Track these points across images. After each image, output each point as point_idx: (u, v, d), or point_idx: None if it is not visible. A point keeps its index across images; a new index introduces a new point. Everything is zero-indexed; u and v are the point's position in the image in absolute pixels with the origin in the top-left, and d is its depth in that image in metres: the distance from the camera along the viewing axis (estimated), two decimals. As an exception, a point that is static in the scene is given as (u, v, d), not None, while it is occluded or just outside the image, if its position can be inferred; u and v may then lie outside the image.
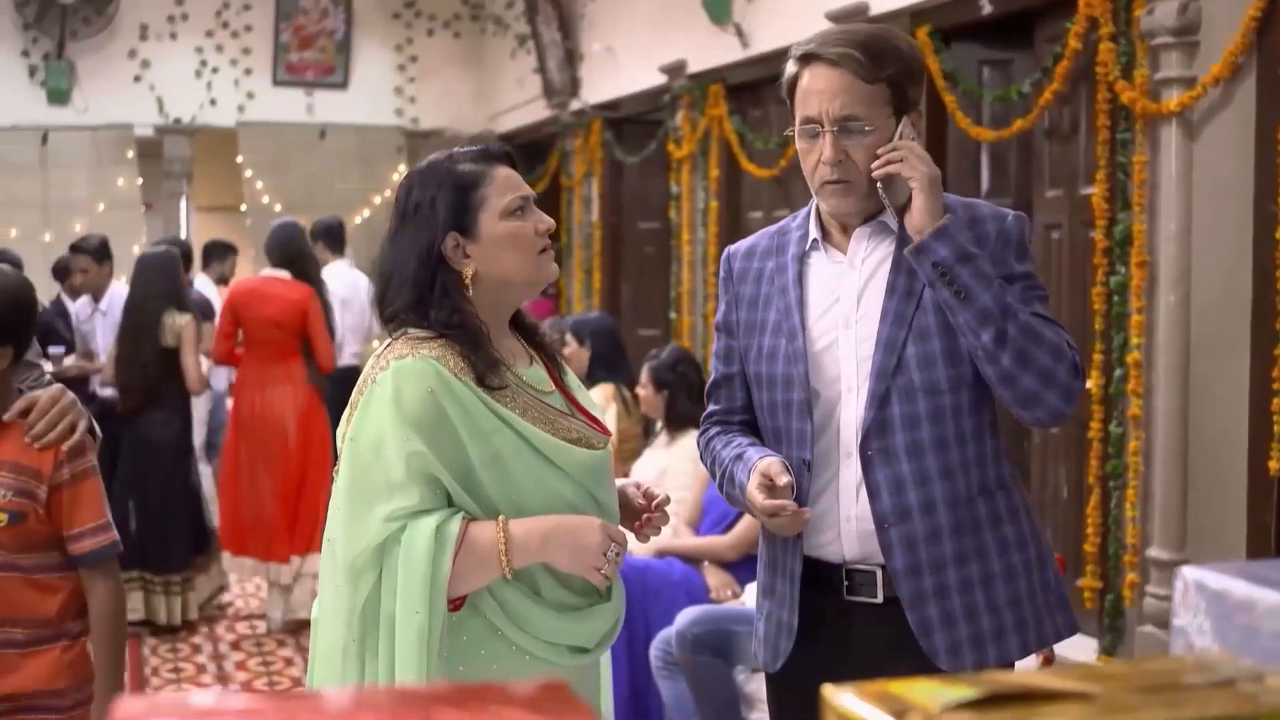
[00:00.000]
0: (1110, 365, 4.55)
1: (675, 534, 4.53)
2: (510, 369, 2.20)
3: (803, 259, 2.38)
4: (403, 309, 2.17)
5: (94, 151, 10.04)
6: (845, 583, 2.32)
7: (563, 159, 9.46)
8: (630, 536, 2.26)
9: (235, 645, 6.07)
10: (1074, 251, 4.91)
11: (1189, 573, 1.03)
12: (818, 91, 2.26)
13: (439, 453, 2.07)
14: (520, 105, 9.96)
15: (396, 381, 2.08)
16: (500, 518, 2.10)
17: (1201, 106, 4.21)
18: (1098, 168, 4.58)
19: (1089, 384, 4.63)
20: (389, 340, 2.20)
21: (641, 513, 2.35)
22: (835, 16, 5.88)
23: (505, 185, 2.22)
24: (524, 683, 0.76)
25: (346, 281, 7.48)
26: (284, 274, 6.14)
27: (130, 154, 10.12)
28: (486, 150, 2.25)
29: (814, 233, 2.38)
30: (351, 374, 3.41)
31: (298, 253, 6.27)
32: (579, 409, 2.31)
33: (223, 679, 5.57)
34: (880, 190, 2.26)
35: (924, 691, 0.81)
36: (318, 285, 6.27)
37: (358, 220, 10.62)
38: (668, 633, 4.02)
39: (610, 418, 5.26)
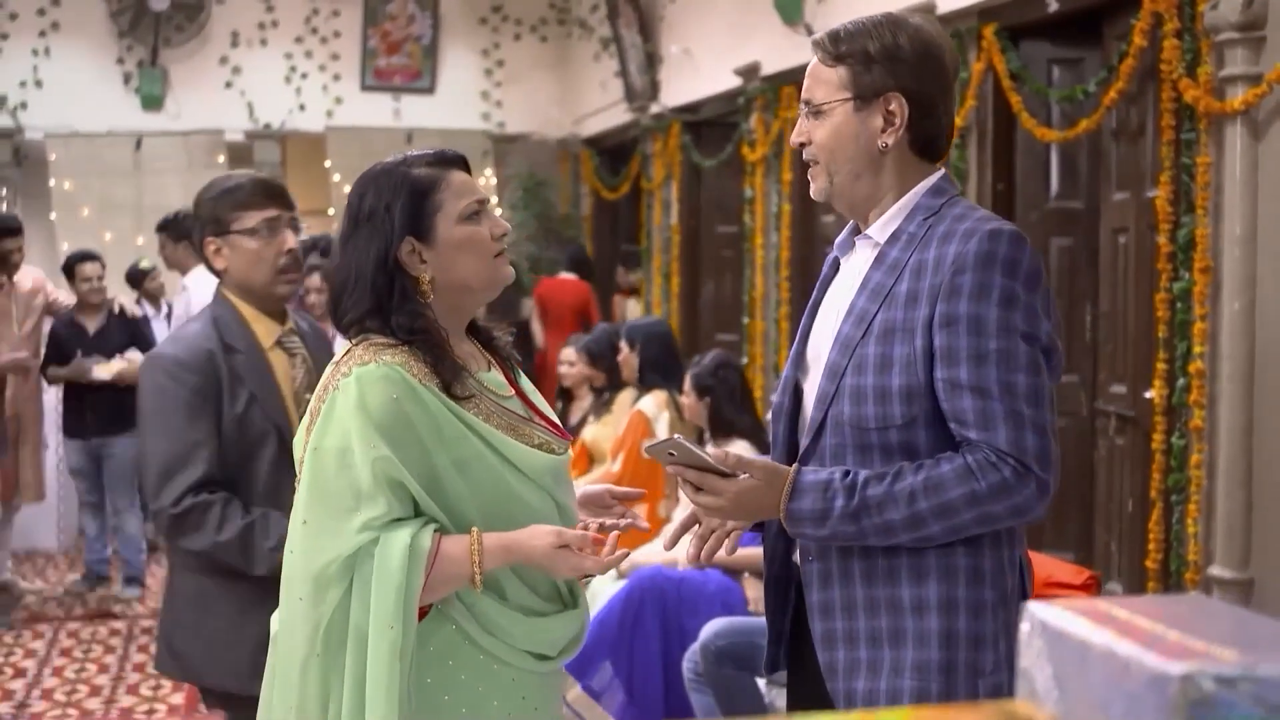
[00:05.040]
0: (1174, 375, 4.37)
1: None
2: (471, 375, 2.17)
3: (837, 263, 2.30)
4: (362, 316, 2.14)
5: (185, 156, 10.18)
6: None
7: (643, 162, 9.40)
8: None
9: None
10: (1140, 257, 4.72)
11: (1034, 609, 0.94)
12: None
13: (405, 459, 2.04)
14: (603, 109, 9.92)
15: (360, 388, 2.05)
16: (475, 531, 2.08)
17: (1268, 105, 4.02)
18: (1162, 169, 4.40)
19: (1153, 394, 4.46)
20: (348, 347, 2.16)
21: (610, 507, 2.34)
22: (902, 15, 5.74)
23: (461, 190, 2.19)
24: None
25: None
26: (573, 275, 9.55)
27: (221, 159, 10.24)
28: (442, 154, 2.23)
29: (844, 235, 2.29)
30: None
31: (583, 260, 9.71)
32: (537, 413, 2.28)
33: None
34: None
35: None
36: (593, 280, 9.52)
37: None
38: (696, 645, 3.94)
39: (663, 425, 5.18)
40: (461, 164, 2.24)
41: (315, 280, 5.81)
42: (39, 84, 9.90)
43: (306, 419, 2.14)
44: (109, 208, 10.05)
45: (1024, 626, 0.96)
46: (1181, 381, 4.30)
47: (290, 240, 2.94)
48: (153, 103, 10.09)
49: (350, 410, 2.05)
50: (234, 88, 10.29)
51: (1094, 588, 3.16)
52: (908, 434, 2.05)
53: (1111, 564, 4.93)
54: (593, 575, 2.17)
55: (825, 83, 2.17)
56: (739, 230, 7.99)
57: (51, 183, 9.92)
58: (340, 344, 2.31)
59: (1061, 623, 0.91)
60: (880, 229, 2.16)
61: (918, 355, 2.03)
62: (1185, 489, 4.30)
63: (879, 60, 2.12)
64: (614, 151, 10.32)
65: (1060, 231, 5.38)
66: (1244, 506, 4.12)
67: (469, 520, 2.10)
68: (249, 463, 2.85)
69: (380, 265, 2.14)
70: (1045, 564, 3.33)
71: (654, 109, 8.95)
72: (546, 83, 10.80)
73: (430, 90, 10.65)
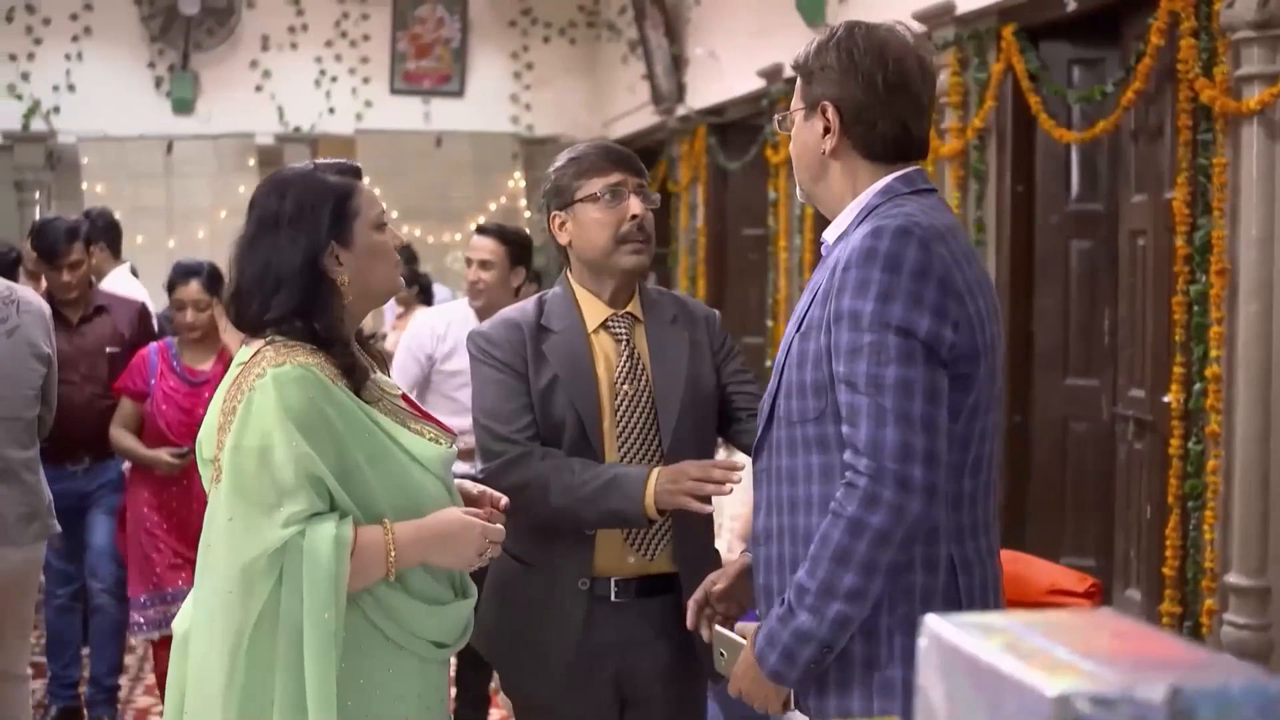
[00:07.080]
0: (1191, 379, 4.30)
1: (730, 550, 4.40)
2: (369, 377, 2.29)
3: None
4: (284, 316, 2.20)
5: (216, 160, 10.25)
6: None
7: (670, 165, 9.37)
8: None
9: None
10: (1158, 260, 4.65)
11: (930, 623, 0.91)
12: None
13: (322, 455, 2.13)
14: (631, 111, 9.90)
15: (278, 388, 2.13)
16: (385, 521, 2.18)
17: (1284, 105, 3.95)
18: (1179, 171, 4.34)
19: (1170, 398, 4.39)
20: (256, 348, 2.22)
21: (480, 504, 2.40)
22: (922, 16, 5.70)
23: (371, 198, 2.31)
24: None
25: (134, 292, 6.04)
26: None
27: (251, 162, 10.30)
28: (345, 164, 2.32)
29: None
30: None
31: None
32: (418, 410, 2.40)
33: None
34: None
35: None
36: None
37: (472, 227, 10.65)
38: (699, 651, 3.90)
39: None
40: (361, 175, 2.33)
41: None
42: (71, 88, 9.98)
43: (218, 419, 2.19)
44: (140, 211, 10.11)
45: (921, 641, 0.93)
46: (1198, 386, 4.23)
47: (635, 207, 2.66)
48: (184, 106, 10.16)
49: (269, 409, 2.12)
50: (264, 91, 10.34)
51: (1097, 595, 3.11)
52: (820, 428, 2.07)
53: (1130, 570, 4.87)
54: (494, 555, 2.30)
55: (795, 94, 2.24)
56: (766, 233, 7.96)
57: (84, 186, 10.01)
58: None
59: (954, 638, 0.88)
60: (833, 230, 2.21)
61: (823, 351, 2.06)
62: (1202, 495, 4.23)
63: (815, 72, 2.18)
64: (641, 154, 10.10)
65: (1080, 234, 5.32)
66: (1260, 513, 4.05)
67: (380, 512, 2.19)
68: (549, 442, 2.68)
69: (307, 267, 2.21)
70: (1049, 571, 3.28)
71: (680, 111, 8.92)
72: (575, 85, 10.79)
73: (459, 93, 10.67)
